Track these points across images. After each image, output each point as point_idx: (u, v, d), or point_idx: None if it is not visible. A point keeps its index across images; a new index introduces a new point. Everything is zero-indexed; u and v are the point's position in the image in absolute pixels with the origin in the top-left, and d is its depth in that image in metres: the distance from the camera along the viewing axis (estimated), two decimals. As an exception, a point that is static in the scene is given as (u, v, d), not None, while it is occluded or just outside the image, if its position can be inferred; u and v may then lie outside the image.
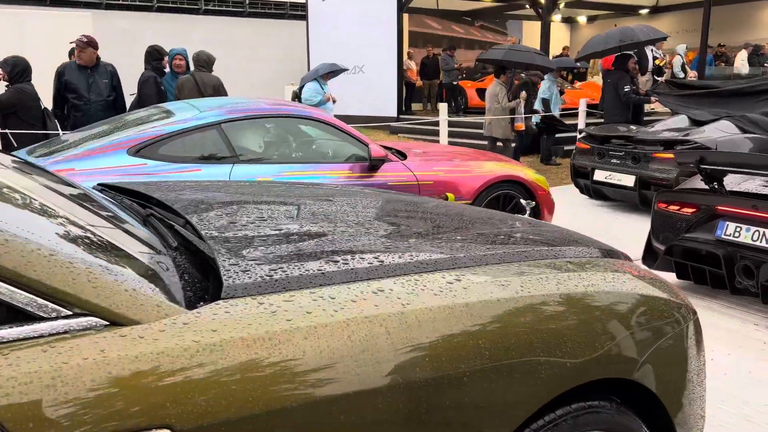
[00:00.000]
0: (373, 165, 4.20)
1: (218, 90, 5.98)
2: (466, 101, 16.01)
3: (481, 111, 15.50)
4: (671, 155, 6.18)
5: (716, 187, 3.81)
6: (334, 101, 8.41)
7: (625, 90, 8.03)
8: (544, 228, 2.17)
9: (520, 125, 9.25)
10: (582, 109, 9.02)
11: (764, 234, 3.57)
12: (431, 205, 2.35)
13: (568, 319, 1.44)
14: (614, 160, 6.64)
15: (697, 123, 7.16)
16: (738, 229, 3.71)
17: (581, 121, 9.00)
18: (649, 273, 1.92)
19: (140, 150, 3.60)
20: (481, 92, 15.73)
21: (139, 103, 6.03)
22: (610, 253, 1.99)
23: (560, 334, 1.40)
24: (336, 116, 7.98)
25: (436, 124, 14.05)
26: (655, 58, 15.04)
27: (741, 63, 14.70)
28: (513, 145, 9.34)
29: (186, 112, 3.89)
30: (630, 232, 5.84)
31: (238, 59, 19.42)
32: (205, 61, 5.99)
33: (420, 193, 4.40)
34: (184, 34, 18.38)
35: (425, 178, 4.45)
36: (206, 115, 3.86)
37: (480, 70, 18.76)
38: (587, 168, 6.94)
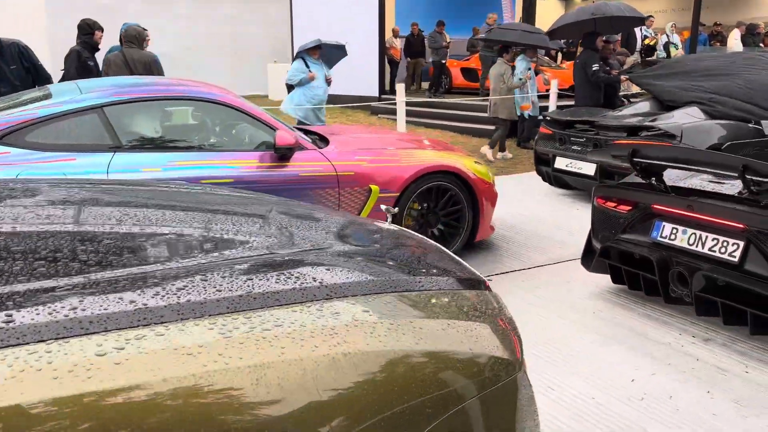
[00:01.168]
0: (283, 154, 3.82)
1: (149, 68, 5.57)
2: (450, 81, 15.52)
3: (465, 92, 15.08)
4: (634, 142, 5.78)
5: (654, 182, 3.42)
6: (328, 82, 7.87)
7: (593, 69, 7.57)
8: (399, 250, 1.79)
9: (527, 105, 8.87)
10: (553, 91, 8.57)
11: (701, 237, 3.19)
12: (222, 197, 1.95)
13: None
14: (575, 147, 6.23)
15: (666, 107, 6.75)
16: (674, 231, 3.33)
17: (552, 104, 8.56)
18: (491, 312, 1.54)
19: (4, 137, 3.22)
20: (466, 72, 15.26)
21: (63, 79, 5.63)
22: (470, 282, 1.63)
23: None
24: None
25: (419, 104, 13.65)
26: (645, 37, 14.51)
27: (735, 42, 14.14)
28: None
29: (65, 95, 3.50)
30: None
31: (221, 36, 18.91)
32: (134, 37, 5.58)
33: (339, 185, 4.03)
34: (166, 9, 17.87)
35: (345, 168, 4.07)
36: (87, 97, 3.46)
37: (470, 49, 18.21)
38: (549, 155, 6.54)
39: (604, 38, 7.98)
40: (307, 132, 4.89)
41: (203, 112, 3.85)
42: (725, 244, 3.09)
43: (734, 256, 3.04)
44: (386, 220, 2.21)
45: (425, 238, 2.13)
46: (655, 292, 3.47)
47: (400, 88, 7.23)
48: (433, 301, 1.47)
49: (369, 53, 14.80)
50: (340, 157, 4.10)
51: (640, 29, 12.82)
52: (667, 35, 14.60)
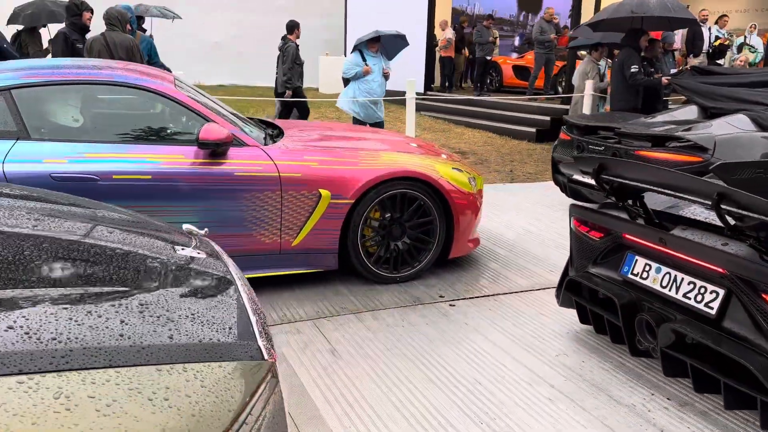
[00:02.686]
0: (212, 150, 3.42)
1: (132, 52, 5.31)
2: (501, 78, 14.78)
3: (515, 90, 14.30)
4: (658, 154, 5.06)
5: (629, 206, 2.79)
6: (386, 75, 7.57)
7: (631, 71, 6.77)
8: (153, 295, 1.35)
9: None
10: (588, 92, 7.80)
11: (676, 279, 2.55)
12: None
13: None
14: (593, 156, 5.53)
15: (710, 115, 5.93)
16: (647, 268, 2.70)
17: (586, 107, 7.79)
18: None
19: None
20: (518, 70, 14.48)
21: (49, 63, 5.46)
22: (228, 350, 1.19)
23: None
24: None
25: (462, 102, 13.02)
26: (716, 38, 13.31)
27: (823, 48, 12.72)
28: None
29: (-26, 75, 3.22)
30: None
31: (273, 25, 18.76)
32: (117, 19, 5.33)
33: (282, 187, 3.59)
34: (216, -3, 17.96)
35: (290, 168, 3.62)
36: (-5, 78, 3.18)
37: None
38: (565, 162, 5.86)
39: (648, 37, 7.15)
40: (271, 126, 4.49)
41: (132, 99, 3.50)
42: (702, 290, 2.45)
43: (711, 308, 2.40)
44: (191, 247, 1.75)
45: (230, 271, 1.66)
46: (623, 340, 2.85)
47: (410, 83, 6.70)
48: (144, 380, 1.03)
49: (415, 47, 14.26)
50: (286, 156, 3.66)
51: (708, 28, 11.69)
52: (746, 36, 13.31)
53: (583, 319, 3.15)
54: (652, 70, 7.20)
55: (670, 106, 6.82)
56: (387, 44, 8.08)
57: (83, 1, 5.75)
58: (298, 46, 8.91)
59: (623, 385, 2.85)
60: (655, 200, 2.92)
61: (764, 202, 2.00)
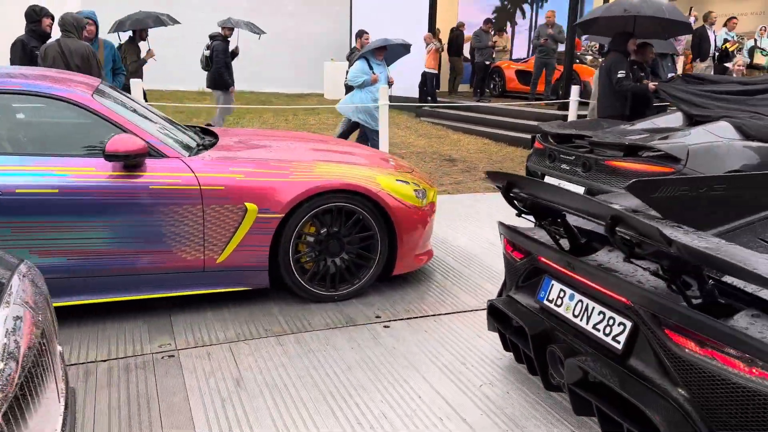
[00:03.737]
0: (128, 163, 3.25)
1: (87, 60, 5.20)
2: (504, 83, 14.48)
3: (518, 96, 13.99)
4: (630, 164, 4.78)
5: (546, 225, 2.55)
6: (390, 84, 7.56)
7: (618, 76, 6.46)
8: None
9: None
10: (573, 98, 7.50)
11: (587, 308, 2.31)
12: None
13: None
14: (564, 166, 5.27)
15: (693, 123, 5.63)
16: (561, 295, 2.45)
17: (572, 113, 7.49)
18: None
19: None
20: (521, 74, 14.18)
21: (6, 71, 5.37)
22: None
23: None
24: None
25: (461, 108, 12.77)
26: (725, 41, 12.88)
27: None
28: None
29: None
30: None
31: (281, 30, 18.70)
32: (72, 25, 5.22)
33: (203, 201, 3.41)
34: (228, 1, 17.92)
35: (213, 181, 3.44)
36: None
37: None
38: (538, 173, 5.60)
39: (636, 41, 6.83)
40: (212, 135, 4.32)
41: (43, 109, 3.36)
42: (611, 322, 2.20)
43: (618, 342, 2.15)
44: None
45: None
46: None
47: (383, 91, 6.50)
48: None
49: (416, 54, 14.06)
50: (209, 167, 3.48)
51: (713, 32, 11.29)
52: (756, 39, 12.85)
53: (506, 346, 2.90)
54: (642, 74, 6.89)
55: (666, 113, 6.50)
56: (392, 53, 8.02)
57: (42, 7, 5.67)
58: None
59: (544, 421, 2.61)
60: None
61: (653, 228, 1.76)
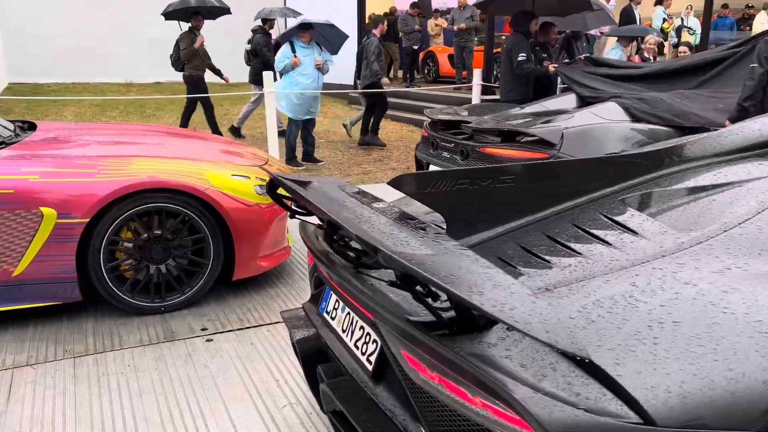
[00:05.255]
0: None
1: None
2: (438, 68, 14.18)
3: (451, 81, 13.72)
4: (504, 151, 4.50)
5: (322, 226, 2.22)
6: (319, 68, 7.16)
7: (519, 59, 6.18)
8: None
9: None
10: (476, 82, 7.23)
11: (353, 322, 1.99)
12: None
13: None
14: (445, 154, 4.97)
15: (585, 105, 5.40)
16: (336, 305, 2.14)
17: (475, 97, 7.22)
18: None
19: None
20: (452, 59, 13.90)
21: None
22: None
23: None
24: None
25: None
26: (664, 20, 12.81)
27: (760, 26, 12.24)
28: None
29: None
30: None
31: (221, 21, 17.99)
32: None
33: (-11, 207, 3.00)
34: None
35: (0, 184, 3.04)
36: None
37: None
38: (424, 162, 5.30)
39: (537, 21, 6.55)
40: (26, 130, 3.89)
41: None
42: (368, 338, 1.89)
43: (370, 363, 1.84)
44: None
45: None
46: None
47: (268, 77, 6.11)
48: None
49: (353, 41, 13.68)
50: (-3, 169, 3.07)
51: (638, 12, 11.14)
52: (682, 18, 12.81)
53: (305, 363, 2.58)
54: (545, 56, 6.63)
55: (559, 95, 6.24)
56: (330, 37, 7.65)
57: None
58: (380, 41, 8.41)
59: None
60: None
61: (363, 233, 1.44)
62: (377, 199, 2.13)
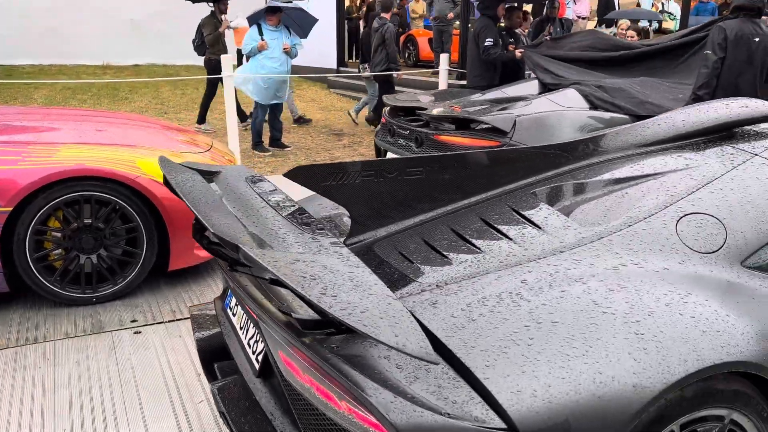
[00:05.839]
0: None
1: None
2: (417, 52, 14.03)
3: (431, 65, 13.58)
4: (456, 139, 4.43)
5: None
6: (287, 52, 7.00)
7: (485, 44, 6.08)
8: None
9: None
10: (443, 67, 7.13)
11: (249, 320, 1.92)
12: None
13: None
14: (401, 141, 4.89)
15: (546, 91, 5.33)
16: (237, 304, 2.07)
17: (442, 82, 7.12)
18: None
19: None
20: (432, 43, 13.76)
21: None
22: None
23: None
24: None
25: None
26: (652, 4, 12.74)
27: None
28: None
29: None
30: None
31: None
32: None
33: None
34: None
35: None
36: None
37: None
38: (382, 149, 5.22)
39: (506, 4, 6.45)
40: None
41: None
42: (258, 337, 1.83)
43: (258, 362, 1.79)
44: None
45: None
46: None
47: (225, 60, 5.99)
48: None
49: (326, 18, 13.46)
50: None
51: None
52: (663, 3, 12.72)
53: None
54: (512, 41, 6.53)
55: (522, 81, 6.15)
56: (299, 20, 7.51)
57: None
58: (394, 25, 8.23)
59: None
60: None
61: (226, 231, 1.38)
62: (279, 192, 2.06)
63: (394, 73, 8.10)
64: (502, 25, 6.58)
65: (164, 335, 3.06)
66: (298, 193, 2.23)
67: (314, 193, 1.95)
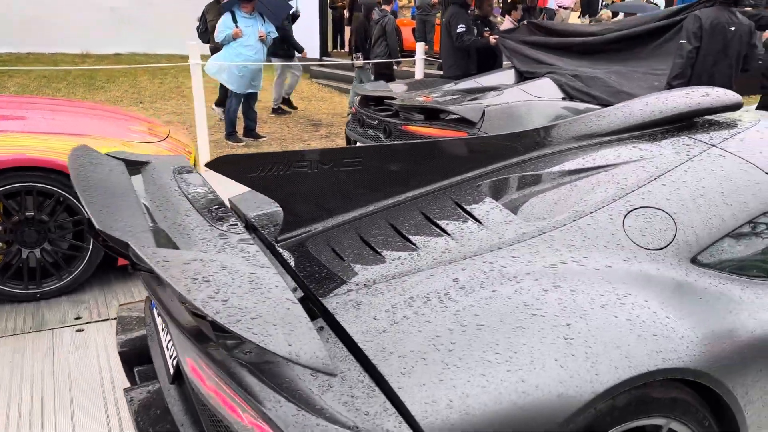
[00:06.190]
0: None
1: None
2: (402, 42, 13.85)
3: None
4: (424, 129, 4.31)
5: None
6: (262, 40, 6.80)
7: (457, 31, 5.95)
8: None
9: None
10: (419, 56, 7.00)
11: (168, 332, 1.80)
12: None
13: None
14: (370, 131, 4.77)
15: (522, 80, 5.22)
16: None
17: (418, 72, 6.99)
18: None
19: None
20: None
21: None
22: None
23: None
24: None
25: (350, 68, 12.11)
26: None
27: None
28: None
29: None
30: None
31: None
32: None
33: None
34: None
35: None
36: None
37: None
38: (352, 139, 5.09)
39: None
40: None
41: None
42: (169, 340, 1.71)
43: (173, 366, 1.67)
44: None
45: None
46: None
47: (191, 47, 5.82)
48: None
49: (308, 8, 13.27)
50: None
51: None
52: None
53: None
54: (486, 29, 6.40)
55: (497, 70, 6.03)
56: (273, 7, 7.32)
57: None
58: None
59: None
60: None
61: (111, 228, 1.25)
62: (204, 185, 1.93)
63: (393, 61, 7.98)
64: (477, 14, 6.46)
65: (108, 333, 2.93)
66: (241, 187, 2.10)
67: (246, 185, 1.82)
